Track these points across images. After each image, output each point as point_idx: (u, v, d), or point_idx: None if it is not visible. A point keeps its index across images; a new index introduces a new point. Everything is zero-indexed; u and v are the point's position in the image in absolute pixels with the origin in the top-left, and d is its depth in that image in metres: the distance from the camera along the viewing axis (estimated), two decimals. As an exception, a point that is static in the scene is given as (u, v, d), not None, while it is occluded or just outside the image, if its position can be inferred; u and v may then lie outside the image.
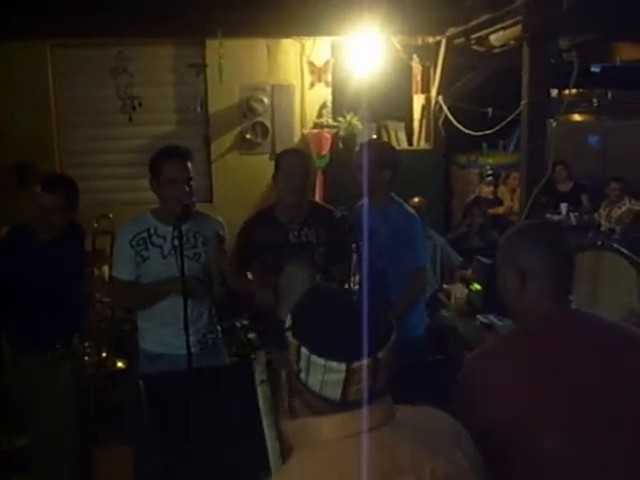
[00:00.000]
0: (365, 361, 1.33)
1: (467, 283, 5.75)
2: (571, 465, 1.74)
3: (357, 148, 3.84)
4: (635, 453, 1.75)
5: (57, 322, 3.54)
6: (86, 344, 4.30)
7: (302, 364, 1.36)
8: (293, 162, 3.59)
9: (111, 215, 5.83)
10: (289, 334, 1.40)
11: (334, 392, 1.35)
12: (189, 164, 3.37)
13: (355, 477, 1.31)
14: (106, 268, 5.71)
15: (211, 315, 3.58)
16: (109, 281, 3.56)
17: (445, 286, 5.86)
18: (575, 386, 1.77)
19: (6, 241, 3.73)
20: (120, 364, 5.18)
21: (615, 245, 4.19)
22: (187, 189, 3.32)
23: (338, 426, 1.37)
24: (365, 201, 3.61)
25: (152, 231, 3.37)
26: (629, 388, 1.79)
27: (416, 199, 6.11)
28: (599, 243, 3.35)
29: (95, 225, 5.68)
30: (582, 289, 2.94)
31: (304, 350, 1.35)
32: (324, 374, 1.34)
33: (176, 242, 3.16)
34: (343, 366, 1.33)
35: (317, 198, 7.13)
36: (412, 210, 3.80)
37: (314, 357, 1.34)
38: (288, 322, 1.42)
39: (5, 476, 4.10)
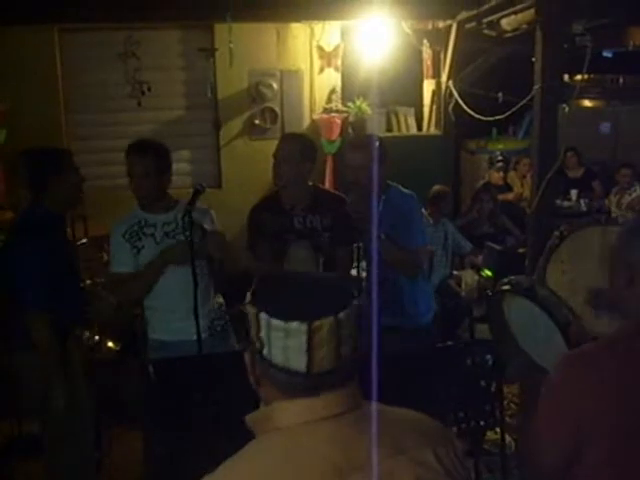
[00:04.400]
0: (326, 320, 1.28)
1: (478, 269, 5.73)
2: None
3: (347, 150, 3.77)
4: None
5: (69, 307, 3.52)
6: (87, 332, 4.31)
7: (263, 334, 1.31)
8: (283, 146, 3.58)
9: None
10: (248, 306, 1.34)
11: (299, 362, 1.29)
12: (146, 158, 3.43)
13: (304, 468, 1.27)
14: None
15: (219, 302, 3.61)
16: (110, 279, 3.57)
17: (455, 272, 5.85)
18: None
19: (42, 220, 3.41)
20: (111, 344, 5.16)
21: (618, 219, 4.12)
22: (144, 184, 3.42)
23: (298, 412, 1.32)
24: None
25: (142, 222, 3.45)
26: None
27: (438, 187, 6.08)
28: (602, 220, 3.28)
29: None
30: (588, 266, 2.88)
31: (263, 316, 1.30)
32: (286, 339, 1.28)
33: (167, 228, 3.41)
34: (304, 327, 1.27)
35: (327, 184, 7.10)
36: (408, 191, 3.73)
37: (274, 321, 1.28)
38: (247, 297, 1.36)
39: (14, 462, 4.11)
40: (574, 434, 1.73)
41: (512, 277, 2.80)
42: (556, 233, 2.99)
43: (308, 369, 1.29)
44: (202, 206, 3.55)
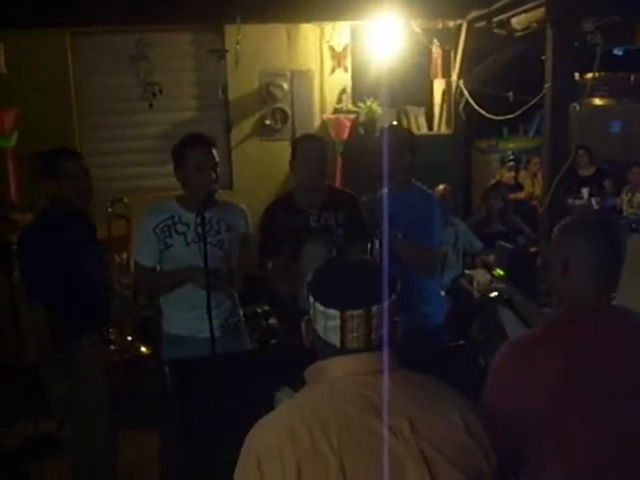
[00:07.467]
0: (357, 312, 1.56)
1: (489, 268, 5.72)
2: (595, 458, 1.74)
3: (377, 133, 3.86)
4: None
5: (90, 307, 3.55)
6: (110, 330, 4.34)
7: (312, 312, 1.63)
8: (309, 147, 3.61)
9: (126, 199, 5.95)
10: (307, 288, 1.65)
11: (334, 338, 1.58)
12: (214, 151, 3.40)
13: (345, 404, 1.49)
14: (125, 254, 5.78)
15: (233, 299, 3.60)
16: (134, 266, 3.57)
17: (467, 272, 5.84)
18: (609, 378, 1.77)
19: (51, 219, 3.51)
20: (144, 349, 5.24)
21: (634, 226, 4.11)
22: (213, 175, 3.35)
23: (340, 367, 1.58)
24: (385, 190, 3.57)
25: (176, 218, 3.39)
26: None
27: (441, 186, 6.13)
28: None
29: (109, 210, 5.79)
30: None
31: (311, 299, 1.62)
32: (325, 320, 1.58)
33: (200, 229, 3.13)
34: (338, 313, 1.56)
35: (337, 183, 7.11)
36: (430, 191, 3.84)
37: (317, 305, 1.60)
38: (309, 279, 1.67)
39: (31, 461, 4.14)
40: (516, 422, 1.78)
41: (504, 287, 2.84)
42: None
43: (341, 345, 1.58)
44: (237, 205, 3.60)
